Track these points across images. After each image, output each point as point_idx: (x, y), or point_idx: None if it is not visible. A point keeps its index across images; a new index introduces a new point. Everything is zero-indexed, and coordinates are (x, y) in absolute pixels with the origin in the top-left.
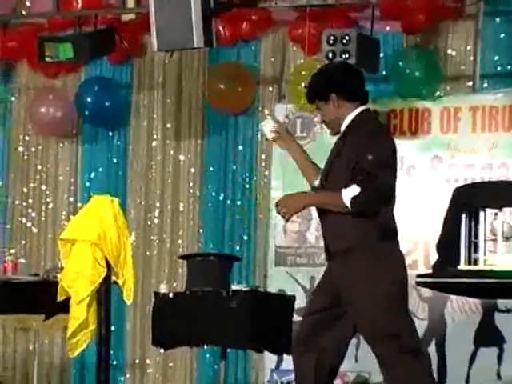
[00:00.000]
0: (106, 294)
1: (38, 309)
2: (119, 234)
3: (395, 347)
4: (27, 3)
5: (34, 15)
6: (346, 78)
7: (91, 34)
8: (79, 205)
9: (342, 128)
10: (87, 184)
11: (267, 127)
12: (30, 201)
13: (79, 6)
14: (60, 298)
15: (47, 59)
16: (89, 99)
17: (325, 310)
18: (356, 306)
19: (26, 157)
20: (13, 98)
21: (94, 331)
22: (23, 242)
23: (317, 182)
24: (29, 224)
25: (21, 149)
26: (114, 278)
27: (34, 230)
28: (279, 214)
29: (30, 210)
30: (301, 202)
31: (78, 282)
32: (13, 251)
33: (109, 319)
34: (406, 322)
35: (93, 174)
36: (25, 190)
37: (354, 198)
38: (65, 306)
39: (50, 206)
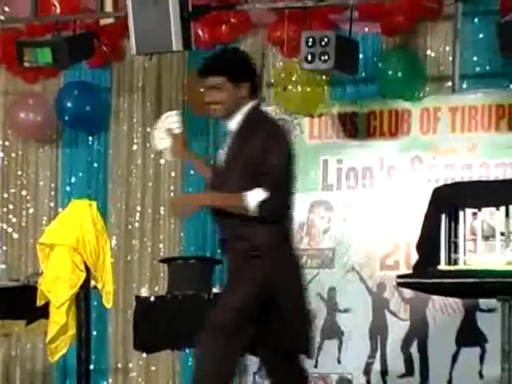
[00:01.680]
0: (85, 299)
1: (20, 314)
2: (98, 237)
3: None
4: (5, 8)
5: (12, 20)
6: (255, 73)
7: (70, 39)
8: (60, 210)
9: (236, 120)
10: (68, 189)
11: (158, 134)
12: (11, 206)
13: (58, 10)
14: (40, 302)
15: (26, 64)
16: (68, 104)
17: None
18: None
19: (5, 162)
20: None
21: (74, 336)
22: (4, 247)
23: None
24: (9, 229)
25: (0, 154)
26: (93, 282)
27: (15, 235)
28: (174, 213)
29: (10, 216)
30: (201, 202)
31: (57, 286)
32: None
33: (88, 323)
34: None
35: (73, 179)
36: (5, 195)
37: (260, 203)
38: (46, 311)
39: (31, 211)
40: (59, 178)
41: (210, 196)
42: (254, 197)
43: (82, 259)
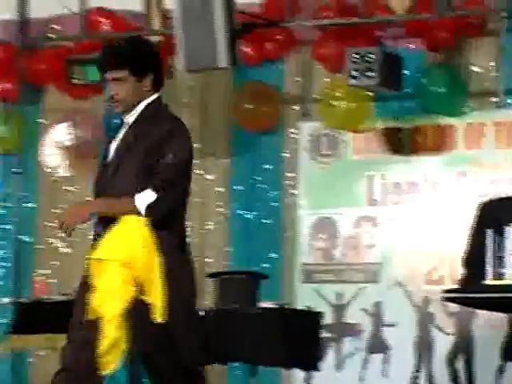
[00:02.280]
0: (137, 314)
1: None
2: (148, 253)
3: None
4: (55, 27)
5: (61, 38)
6: (160, 63)
7: None
8: None
9: (135, 112)
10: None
11: (46, 150)
12: None
13: (106, 28)
14: (90, 317)
15: (75, 81)
16: (115, 120)
17: None
18: None
19: (56, 178)
20: (41, 120)
21: (125, 350)
22: (53, 262)
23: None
24: (59, 245)
25: (49, 170)
26: (143, 297)
27: (65, 250)
28: (61, 229)
29: (60, 231)
30: (85, 211)
31: (108, 301)
32: (43, 271)
33: (143, 338)
34: None
35: None
36: (55, 210)
37: (149, 206)
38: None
39: (79, 226)
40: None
41: (97, 203)
42: (144, 199)
43: (132, 275)
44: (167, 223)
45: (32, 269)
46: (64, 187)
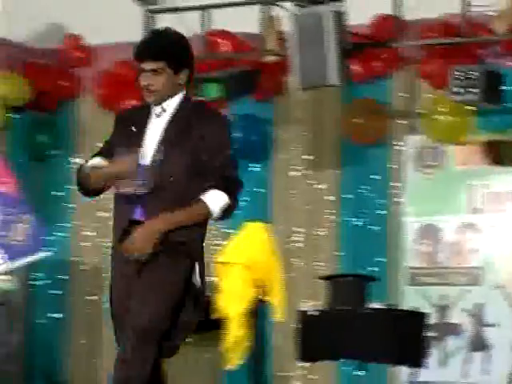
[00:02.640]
0: (257, 313)
1: None
2: (269, 257)
3: None
4: None
5: None
6: (194, 60)
7: (237, 75)
8: (226, 230)
9: (169, 106)
10: (235, 211)
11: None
12: None
13: (225, 49)
14: (215, 316)
15: (197, 98)
16: (234, 134)
17: None
18: None
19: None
20: None
21: (248, 346)
22: None
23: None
24: None
25: None
26: (265, 297)
27: None
28: (134, 257)
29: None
30: (155, 234)
31: (232, 301)
32: None
33: (260, 336)
34: None
35: (241, 203)
36: None
37: (225, 208)
38: (216, 323)
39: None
40: None
41: (166, 221)
42: (217, 201)
43: (255, 277)
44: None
45: None
46: None
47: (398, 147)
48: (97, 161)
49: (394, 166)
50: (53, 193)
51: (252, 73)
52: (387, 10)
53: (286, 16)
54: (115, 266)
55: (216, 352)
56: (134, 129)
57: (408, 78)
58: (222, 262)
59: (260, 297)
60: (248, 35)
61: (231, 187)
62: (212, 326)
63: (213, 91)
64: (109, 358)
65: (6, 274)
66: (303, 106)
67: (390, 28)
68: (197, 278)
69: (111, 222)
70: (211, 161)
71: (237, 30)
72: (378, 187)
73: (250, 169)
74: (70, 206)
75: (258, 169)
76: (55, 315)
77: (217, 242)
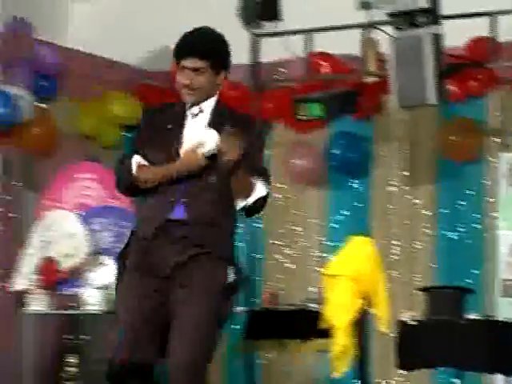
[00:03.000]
0: (363, 323)
1: (295, 334)
2: (374, 269)
3: None
4: (282, 69)
5: (287, 80)
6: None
7: (338, 95)
8: (327, 243)
9: (207, 106)
10: (334, 225)
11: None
12: (286, 240)
13: (326, 70)
14: (323, 326)
15: (300, 118)
16: (335, 151)
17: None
18: None
19: (281, 202)
20: (269, 152)
21: (354, 356)
22: (280, 276)
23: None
24: (285, 260)
25: (277, 195)
26: (370, 309)
27: (289, 265)
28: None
29: (285, 249)
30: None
31: (339, 312)
32: (271, 284)
33: (367, 346)
34: None
35: (339, 217)
36: (280, 230)
37: (260, 199)
38: (318, 332)
39: (303, 244)
40: (327, 215)
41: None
42: (260, 189)
43: (360, 289)
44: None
45: (262, 282)
46: (291, 210)
47: (492, 164)
48: (139, 159)
49: (488, 182)
50: None
51: (352, 93)
52: (482, 32)
53: (384, 38)
54: (135, 276)
55: (323, 359)
56: (169, 126)
57: (503, 98)
58: (328, 275)
59: (365, 308)
60: (348, 57)
61: (268, 184)
62: (321, 335)
63: (315, 111)
64: None
65: None
66: (401, 125)
67: (485, 49)
68: (231, 278)
69: None
70: (255, 160)
71: (337, 52)
72: (472, 202)
73: (350, 184)
74: None
75: (358, 184)
76: None
77: (319, 254)
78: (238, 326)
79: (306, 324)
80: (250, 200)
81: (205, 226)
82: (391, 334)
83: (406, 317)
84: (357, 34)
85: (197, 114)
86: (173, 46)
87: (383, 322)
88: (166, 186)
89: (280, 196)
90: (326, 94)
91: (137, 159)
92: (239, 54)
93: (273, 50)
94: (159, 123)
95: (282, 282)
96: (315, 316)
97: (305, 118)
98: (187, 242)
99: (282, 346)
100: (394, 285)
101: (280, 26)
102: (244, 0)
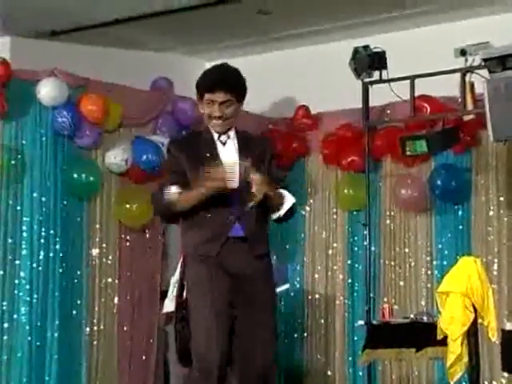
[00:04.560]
0: (474, 333)
1: (410, 344)
2: (482, 285)
3: None
4: (389, 112)
5: (394, 121)
6: None
7: (441, 132)
8: (434, 262)
9: (232, 134)
10: (439, 246)
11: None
12: (397, 261)
13: (429, 111)
14: (439, 336)
15: (407, 154)
16: (438, 181)
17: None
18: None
19: (392, 228)
20: (380, 184)
21: (466, 363)
22: (394, 292)
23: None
24: (397, 279)
25: (388, 222)
26: (480, 320)
27: (401, 283)
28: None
29: (395, 268)
30: (265, 186)
31: (452, 324)
32: (386, 299)
33: (478, 353)
34: None
35: (443, 239)
36: (393, 253)
37: (291, 207)
38: (432, 341)
39: (412, 264)
40: (433, 238)
41: (270, 185)
42: (290, 198)
43: (470, 302)
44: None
45: (379, 297)
46: (401, 234)
47: None
48: (176, 189)
49: None
50: (290, 234)
51: (452, 130)
52: None
53: (480, 80)
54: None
55: (437, 366)
56: (207, 154)
57: None
58: (442, 292)
59: (476, 320)
60: (447, 98)
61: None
62: (434, 344)
63: (420, 147)
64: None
65: None
66: (497, 155)
67: None
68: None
69: (339, 257)
70: (278, 174)
71: (438, 95)
72: None
73: (453, 210)
74: (305, 245)
75: (460, 210)
76: (296, 335)
77: (427, 272)
78: (361, 339)
79: (420, 334)
80: (282, 212)
81: (257, 241)
82: (497, 342)
83: (508, 326)
84: (455, 77)
85: (225, 142)
86: (292, 96)
87: (492, 332)
88: (219, 209)
89: (390, 222)
90: (429, 132)
91: (175, 189)
92: (353, 100)
93: (381, 95)
94: (194, 152)
95: (396, 298)
96: (428, 327)
97: (411, 153)
98: (249, 255)
99: (398, 354)
100: (495, 297)
101: (387, 74)
102: (355, 53)
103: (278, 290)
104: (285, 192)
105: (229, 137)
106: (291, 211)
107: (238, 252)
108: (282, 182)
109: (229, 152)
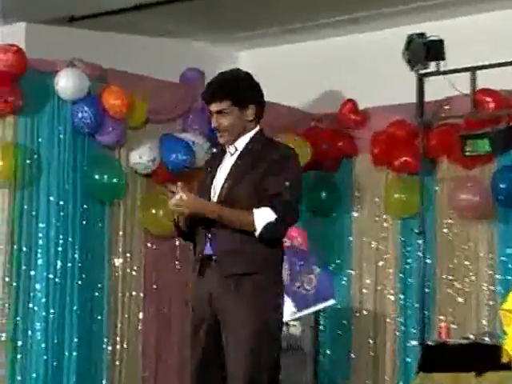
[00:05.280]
0: None
1: (470, 367)
2: None
3: None
4: (446, 107)
5: (452, 117)
6: (261, 95)
7: (505, 130)
8: (497, 277)
9: (241, 144)
10: (503, 259)
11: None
12: (455, 274)
13: (491, 106)
14: (505, 360)
15: (467, 154)
16: (502, 185)
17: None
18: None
19: (450, 237)
20: (436, 188)
21: None
22: (451, 309)
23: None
24: (454, 294)
25: (445, 230)
26: None
27: (460, 299)
28: (176, 210)
29: (454, 282)
30: (208, 211)
31: None
32: (443, 318)
33: None
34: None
35: (508, 250)
36: (450, 265)
37: (268, 224)
38: (494, 365)
39: (473, 278)
40: (496, 249)
41: (219, 208)
42: (263, 216)
43: None
44: (277, 243)
45: (435, 315)
46: (460, 244)
47: None
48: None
49: None
50: (336, 245)
51: None
52: None
53: None
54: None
55: None
56: (209, 169)
57: None
58: (507, 310)
59: None
60: (510, 92)
61: (281, 208)
62: (496, 368)
63: (483, 147)
64: None
65: (294, 320)
66: None
67: None
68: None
69: (389, 269)
70: (271, 188)
71: (501, 88)
72: None
73: None
74: (352, 255)
75: None
76: (341, 356)
77: (490, 288)
78: (414, 360)
79: (480, 357)
80: (257, 233)
81: (229, 260)
82: None
83: None
84: None
85: (233, 153)
86: (337, 90)
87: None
88: (199, 229)
89: (447, 231)
90: (492, 130)
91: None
92: (404, 94)
93: (437, 89)
94: (207, 169)
95: (453, 316)
96: (490, 349)
97: (472, 153)
98: (219, 275)
99: (456, 379)
100: None
101: (444, 65)
102: (410, 42)
103: (322, 305)
104: (262, 210)
105: (236, 148)
106: (272, 228)
107: (210, 272)
108: (280, 196)
109: (226, 167)
